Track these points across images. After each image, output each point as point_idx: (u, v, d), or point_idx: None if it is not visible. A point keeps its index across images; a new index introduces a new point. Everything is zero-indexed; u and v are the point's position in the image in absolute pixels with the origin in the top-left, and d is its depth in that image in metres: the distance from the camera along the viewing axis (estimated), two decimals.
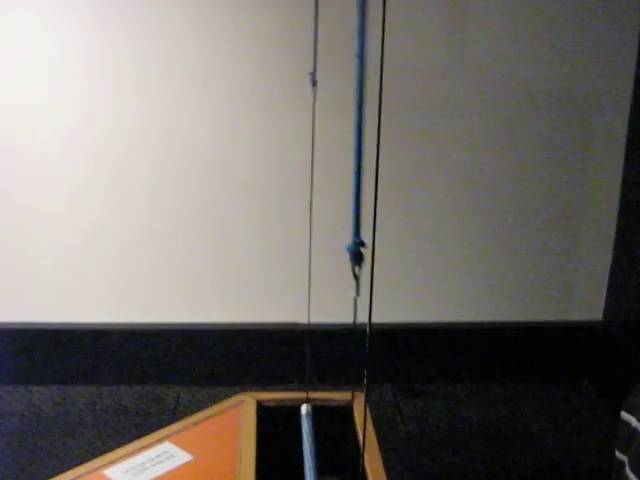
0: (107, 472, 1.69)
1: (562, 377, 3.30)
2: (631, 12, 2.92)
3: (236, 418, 1.93)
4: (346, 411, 2.05)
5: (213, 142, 2.99)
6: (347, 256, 1.44)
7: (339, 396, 2.06)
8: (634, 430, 1.47)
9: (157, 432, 1.85)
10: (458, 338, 3.29)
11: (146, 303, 3.15)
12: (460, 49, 2.97)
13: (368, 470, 1.73)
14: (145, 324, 3.17)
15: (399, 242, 3.14)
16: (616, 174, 3.12)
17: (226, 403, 2.00)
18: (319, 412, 2.04)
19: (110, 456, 1.75)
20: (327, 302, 2.67)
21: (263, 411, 1.99)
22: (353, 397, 2.05)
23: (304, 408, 1.95)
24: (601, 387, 3.21)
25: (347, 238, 1.45)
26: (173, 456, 1.76)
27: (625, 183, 3.12)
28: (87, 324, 3.15)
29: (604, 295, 3.29)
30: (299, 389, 2.10)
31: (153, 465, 1.73)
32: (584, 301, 3.26)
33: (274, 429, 2.01)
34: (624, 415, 1.50)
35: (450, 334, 3.29)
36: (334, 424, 2.06)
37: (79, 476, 1.67)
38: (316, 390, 2.07)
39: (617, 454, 1.50)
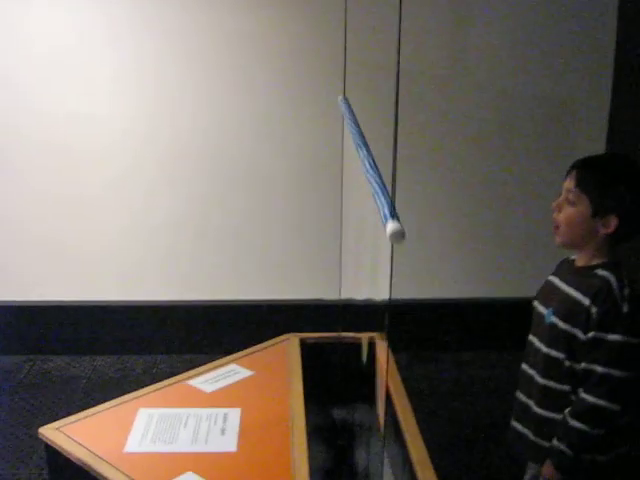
0: (191, 382, 2.21)
1: None
2: (607, 30, 3.44)
3: (284, 349, 2.44)
4: (371, 348, 2.54)
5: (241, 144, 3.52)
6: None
7: (365, 336, 2.56)
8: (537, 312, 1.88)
9: (224, 358, 2.36)
10: (462, 312, 3.77)
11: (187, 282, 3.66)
12: (460, 60, 3.51)
13: (393, 393, 2.20)
14: (187, 301, 3.67)
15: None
16: None
17: (275, 340, 2.51)
18: (348, 349, 2.54)
19: (192, 372, 2.26)
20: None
21: (305, 346, 2.49)
22: (375, 338, 2.54)
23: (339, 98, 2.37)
24: None
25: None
26: (238, 372, 2.28)
27: None
28: (141, 301, 3.67)
29: None
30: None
31: (224, 378, 2.25)
32: None
33: (313, 360, 2.50)
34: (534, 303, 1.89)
35: (455, 308, 3.77)
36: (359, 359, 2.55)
37: (171, 384, 2.19)
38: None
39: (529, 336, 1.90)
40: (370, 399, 2.51)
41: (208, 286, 3.69)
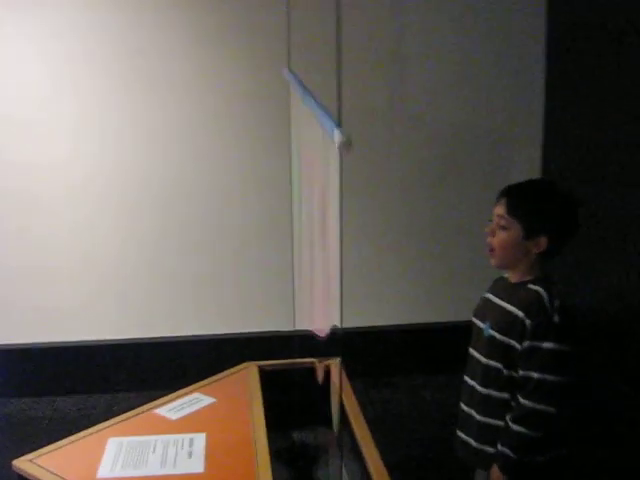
0: (156, 411, 2.32)
1: None
2: (537, 59, 3.71)
3: (243, 377, 2.57)
4: (327, 374, 2.69)
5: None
6: None
7: (319, 361, 2.70)
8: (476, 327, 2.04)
9: (187, 388, 2.48)
10: (414, 337, 3.94)
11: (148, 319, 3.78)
12: (399, 94, 3.73)
13: (349, 412, 2.34)
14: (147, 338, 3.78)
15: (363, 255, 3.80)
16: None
17: (234, 369, 2.64)
18: (304, 375, 2.68)
19: (157, 402, 2.38)
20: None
21: (263, 374, 2.62)
22: (330, 365, 2.68)
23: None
24: None
25: None
26: (201, 400, 2.40)
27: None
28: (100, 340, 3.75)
29: None
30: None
31: (188, 406, 2.37)
32: None
33: (271, 387, 2.63)
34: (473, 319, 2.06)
35: (405, 334, 3.94)
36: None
37: (138, 414, 2.30)
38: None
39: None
40: (328, 422, 2.64)
41: (165, 323, 3.79)
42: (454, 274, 3.89)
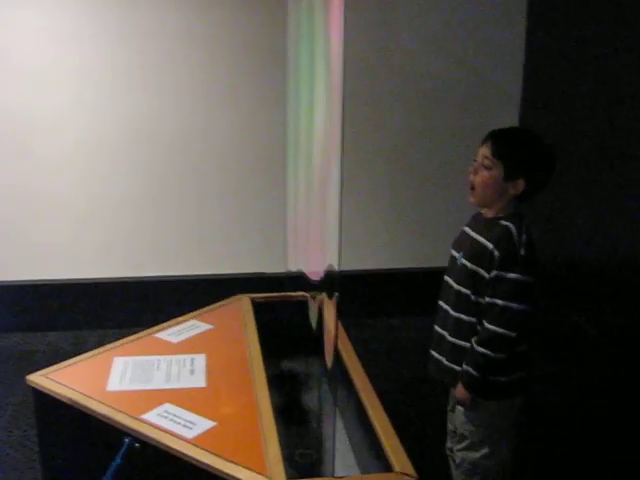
0: (157, 335, 2.47)
1: None
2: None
3: (237, 307, 2.73)
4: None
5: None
6: None
7: (312, 295, 2.85)
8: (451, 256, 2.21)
9: (183, 316, 2.63)
10: (395, 280, 4.11)
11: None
12: (386, 50, 3.84)
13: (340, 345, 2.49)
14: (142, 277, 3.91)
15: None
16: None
17: (227, 300, 2.79)
18: (295, 307, 2.83)
19: (156, 327, 2.52)
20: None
21: (255, 305, 2.77)
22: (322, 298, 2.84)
23: None
24: None
25: None
26: (199, 326, 2.56)
27: None
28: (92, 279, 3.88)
29: None
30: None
31: (187, 331, 2.52)
32: None
33: (263, 318, 2.78)
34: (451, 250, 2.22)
35: (389, 277, 4.11)
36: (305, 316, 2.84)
37: (139, 337, 2.44)
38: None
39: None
40: (317, 352, 2.81)
41: (157, 262, 3.92)
42: (436, 222, 4.05)
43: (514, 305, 2.01)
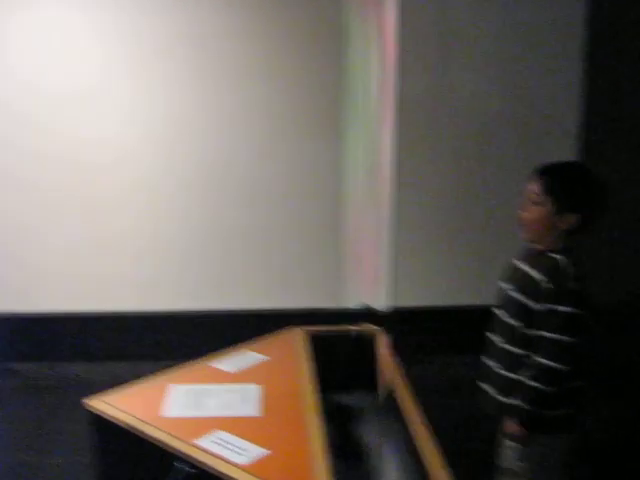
0: (213, 364, 2.51)
1: None
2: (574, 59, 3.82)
3: (290, 339, 2.75)
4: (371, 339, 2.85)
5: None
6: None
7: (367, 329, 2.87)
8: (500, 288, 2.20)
9: (239, 346, 2.67)
10: (456, 318, 4.08)
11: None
12: (441, 87, 3.88)
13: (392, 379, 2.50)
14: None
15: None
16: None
17: (281, 332, 2.82)
18: (348, 340, 2.84)
19: (212, 357, 2.56)
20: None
21: (308, 337, 2.80)
22: (376, 332, 2.85)
23: None
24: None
25: None
26: (254, 357, 2.58)
27: None
28: (155, 311, 3.97)
29: None
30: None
31: (242, 361, 2.55)
32: None
33: (317, 350, 2.80)
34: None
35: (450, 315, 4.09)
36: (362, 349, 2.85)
37: (196, 366, 2.49)
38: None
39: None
40: (370, 385, 2.81)
41: (216, 295, 3.99)
42: (492, 259, 4.02)
43: (565, 338, 2.00)
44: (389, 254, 1.89)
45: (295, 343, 2.73)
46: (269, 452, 1.94)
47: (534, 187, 2.08)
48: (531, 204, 2.08)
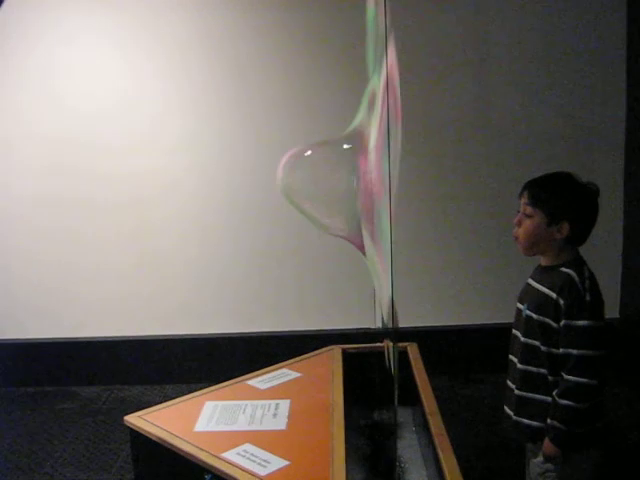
0: (248, 382, 2.61)
1: None
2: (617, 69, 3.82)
3: (328, 357, 2.82)
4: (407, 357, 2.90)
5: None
6: None
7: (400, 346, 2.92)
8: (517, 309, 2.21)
9: (276, 365, 2.76)
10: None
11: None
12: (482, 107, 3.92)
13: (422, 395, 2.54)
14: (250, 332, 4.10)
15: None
16: (619, 186, 3.93)
17: (320, 350, 2.90)
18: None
19: (249, 375, 2.67)
20: None
21: (347, 356, 2.87)
22: (409, 348, 2.90)
23: None
24: (622, 376, 3.79)
25: None
26: (288, 375, 2.67)
27: (627, 193, 3.92)
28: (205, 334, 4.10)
29: (619, 294, 4.03)
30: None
31: (276, 379, 2.64)
32: None
33: (355, 368, 2.87)
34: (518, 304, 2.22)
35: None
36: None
37: (232, 384, 2.59)
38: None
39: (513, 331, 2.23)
40: (407, 401, 2.86)
41: (269, 320, 4.11)
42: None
43: (590, 352, 1.99)
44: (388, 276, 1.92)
45: (329, 361, 2.81)
46: (289, 463, 2.01)
47: (524, 201, 2.10)
48: (525, 218, 2.10)
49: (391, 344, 2.42)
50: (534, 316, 2.09)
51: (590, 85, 3.89)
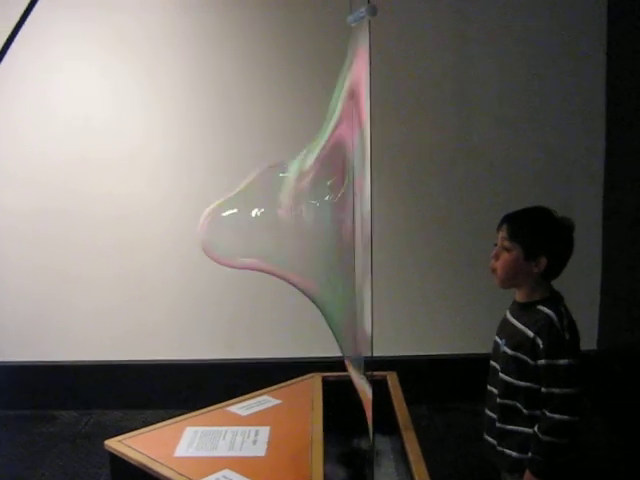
0: (228, 408, 2.64)
1: None
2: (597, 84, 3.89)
3: (308, 384, 2.86)
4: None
5: None
6: None
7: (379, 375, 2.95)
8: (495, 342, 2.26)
9: (257, 392, 2.79)
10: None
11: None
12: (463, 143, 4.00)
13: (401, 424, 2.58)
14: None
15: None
16: (596, 209, 3.98)
17: (300, 378, 2.93)
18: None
19: (229, 402, 2.69)
20: None
21: (327, 384, 2.90)
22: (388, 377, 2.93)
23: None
24: (598, 406, 3.85)
25: None
26: (268, 401, 2.71)
27: (605, 226, 3.95)
28: (186, 360, 4.12)
29: (597, 326, 4.08)
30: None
31: (257, 405, 2.67)
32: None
33: (334, 396, 2.89)
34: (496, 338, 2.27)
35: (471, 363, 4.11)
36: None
37: (212, 410, 2.62)
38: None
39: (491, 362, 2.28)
40: (385, 430, 2.88)
41: (248, 346, 4.13)
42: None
43: (572, 390, 2.04)
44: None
45: (310, 388, 2.84)
46: None
47: (502, 234, 2.15)
48: (503, 251, 2.14)
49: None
50: (510, 352, 2.14)
51: (569, 121, 3.96)
